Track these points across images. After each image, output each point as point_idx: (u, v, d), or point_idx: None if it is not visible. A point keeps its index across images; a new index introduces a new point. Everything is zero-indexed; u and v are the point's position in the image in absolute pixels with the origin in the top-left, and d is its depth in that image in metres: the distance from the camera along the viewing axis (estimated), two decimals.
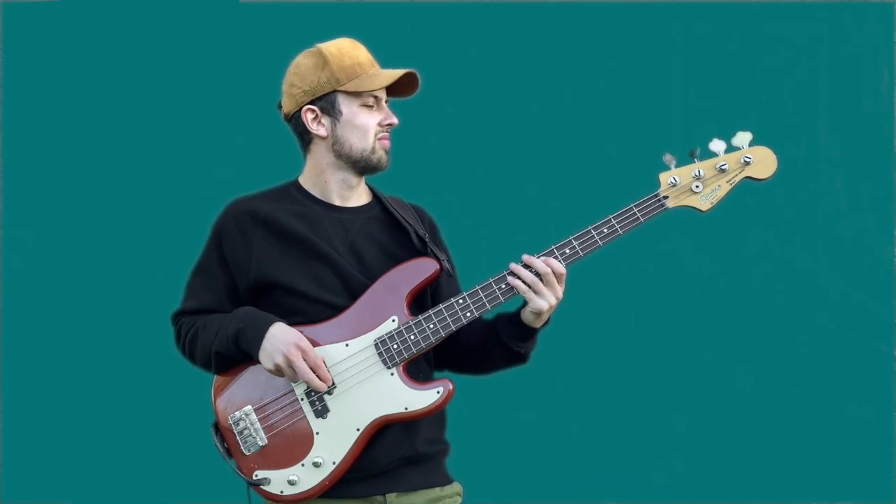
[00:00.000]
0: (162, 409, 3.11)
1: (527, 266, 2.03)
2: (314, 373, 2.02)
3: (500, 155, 3.22)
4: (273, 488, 2.06)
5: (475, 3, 3.23)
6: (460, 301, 2.07)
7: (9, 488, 3.13)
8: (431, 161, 3.12)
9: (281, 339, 2.03)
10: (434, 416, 2.11)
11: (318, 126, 2.18)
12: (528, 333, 2.12)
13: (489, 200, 3.20)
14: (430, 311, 2.09)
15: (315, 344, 2.06)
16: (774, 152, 2.08)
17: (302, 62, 2.24)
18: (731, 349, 3.17)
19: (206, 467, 3.13)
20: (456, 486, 2.19)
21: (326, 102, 2.17)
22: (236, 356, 2.09)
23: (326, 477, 2.05)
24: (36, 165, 3.18)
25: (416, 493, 2.12)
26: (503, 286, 2.06)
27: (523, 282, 2.03)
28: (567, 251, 2.05)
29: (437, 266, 2.13)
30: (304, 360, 2.01)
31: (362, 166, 2.17)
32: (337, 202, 2.21)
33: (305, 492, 2.06)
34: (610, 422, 3.18)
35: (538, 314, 2.05)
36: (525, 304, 2.06)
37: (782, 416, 3.19)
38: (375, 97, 2.16)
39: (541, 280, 2.03)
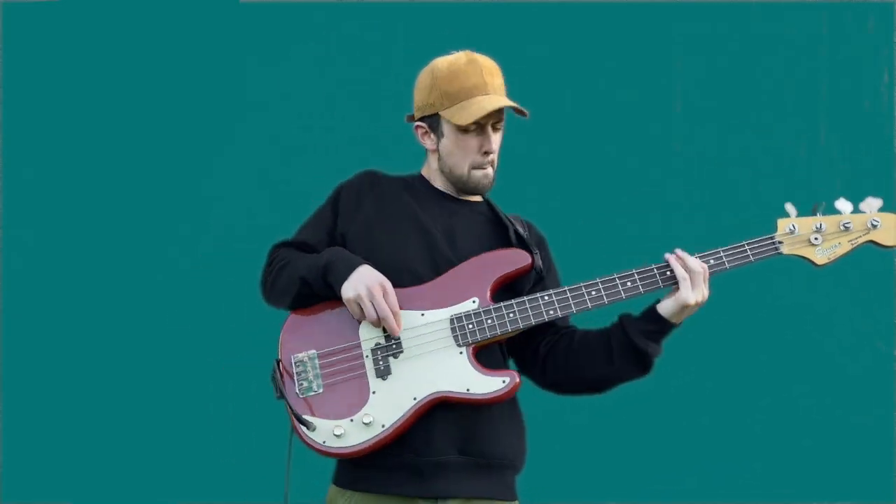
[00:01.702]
0: (162, 409, 3.11)
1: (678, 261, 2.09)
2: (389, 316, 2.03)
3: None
4: (317, 436, 2.02)
5: (477, 4, 3.23)
6: (545, 297, 2.07)
7: (9, 488, 3.13)
8: None
9: (368, 276, 2.03)
10: (513, 423, 2.11)
11: (426, 140, 2.23)
12: (663, 329, 2.10)
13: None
14: (514, 301, 2.08)
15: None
16: None
17: (421, 78, 2.26)
18: (731, 349, 3.17)
19: (207, 467, 3.14)
20: None
21: (433, 121, 2.21)
22: (321, 289, 2.08)
23: (373, 438, 2.02)
24: (36, 165, 3.18)
25: (475, 501, 2.06)
26: (646, 276, 2.07)
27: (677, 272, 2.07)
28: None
29: (529, 260, 2.13)
30: (385, 300, 2.02)
31: (461, 187, 2.21)
32: (451, 194, 2.25)
33: (349, 448, 2.02)
34: (612, 422, 3.18)
35: (682, 309, 2.07)
36: (662, 298, 2.09)
37: (782, 417, 3.19)
38: (478, 122, 2.15)
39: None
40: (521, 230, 2.24)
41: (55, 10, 3.17)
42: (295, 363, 2.07)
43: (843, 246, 2.09)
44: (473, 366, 2.05)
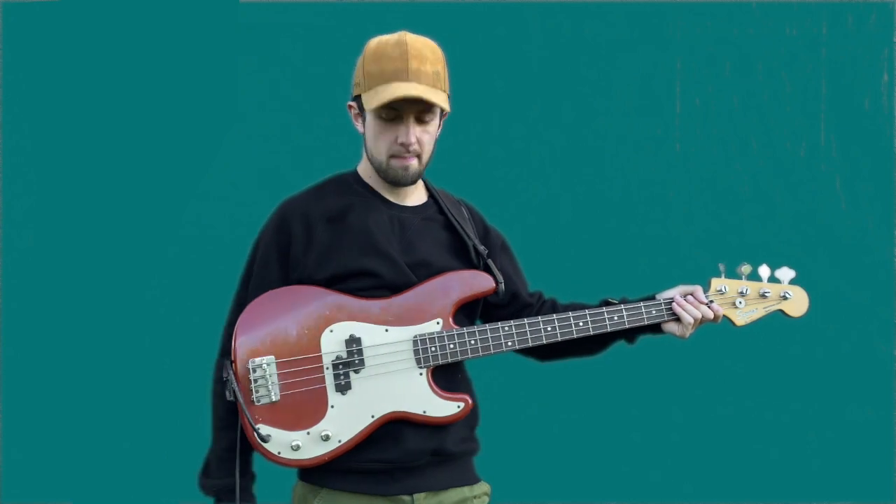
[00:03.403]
0: (162, 409, 3.11)
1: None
2: None
3: (497, 154, 3.22)
4: (272, 447, 2.03)
5: (477, 4, 3.23)
6: (506, 328, 2.10)
7: (9, 488, 3.13)
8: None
9: None
10: (468, 417, 2.11)
11: (357, 123, 2.17)
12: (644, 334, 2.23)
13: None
14: (476, 328, 2.10)
15: (358, 318, 2.06)
16: (808, 297, 2.25)
17: (363, 53, 2.15)
18: (731, 349, 3.17)
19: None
20: (484, 486, 2.19)
21: (360, 102, 2.13)
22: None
23: (328, 452, 2.03)
24: (36, 165, 3.18)
25: (445, 492, 2.12)
26: (596, 319, 2.14)
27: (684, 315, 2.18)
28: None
29: (493, 285, 2.12)
30: None
31: (382, 177, 2.15)
32: (392, 199, 2.18)
33: (305, 459, 2.03)
34: (612, 421, 3.18)
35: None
36: (661, 325, 2.19)
37: (782, 417, 3.19)
38: (394, 109, 2.07)
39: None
40: (479, 247, 2.20)
41: (55, 10, 3.17)
42: (252, 369, 2.05)
43: (759, 312, 2.27)
44: (431, 388, 2.06)
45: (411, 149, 2.09)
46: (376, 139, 2.11)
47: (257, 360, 2.05)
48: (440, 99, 2.07)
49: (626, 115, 3.23)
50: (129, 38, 3.18)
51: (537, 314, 2.24)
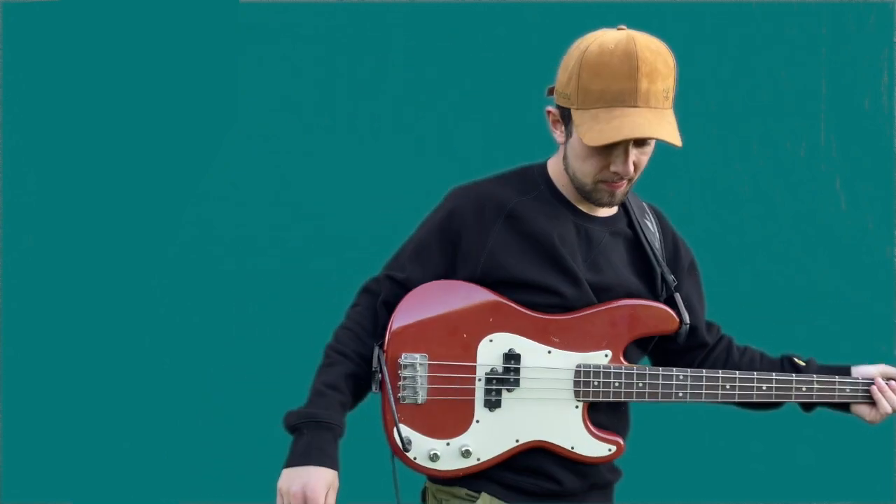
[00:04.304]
0: (162, 409, 3.12)
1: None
2: None
3: (497, 154, 3.22)
4: (410, 452, 1.90)
5: (478, 4, 3.23)
6: (680, 376, 1.94)
7: (9, 488, 3.13)
8: (435, 163, 3.13)
9: (303, 481, 1.82)
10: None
11: (556, 129, 1.96)
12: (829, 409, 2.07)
13: None
14: (647, 370, 1.94)
15: (522, 333, 1.90)
16: None
17: (570, 53, 1.90)
18: None
19: (207, 467, 3.14)
20: None
21: (566, 114, 1.90)
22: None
23: (465, 467, 1.91)
24: (36, 165, 3.18)
25: None
26: (783, 385, 1.99)
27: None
28: None
29: (676, 325, 1.96)
30: None
31: (582, 195, 1.95)
32: (582, 208, 1.98)
33: (439, 470, 1.91)
34: None
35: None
36: (850, 405, 2.06)
37: (782, 416, 3.18)
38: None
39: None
40: (668, 275, 2.00)
41: (55, 10, 3.17)
42: (403, 364, 1.90)
43: None
44: (585, 424, 1.92)
45: (626, 177, 1.89)
46: (583, 161, 1.89)
47: (411, 356, 1.90)
48: (671, 131, 1.83)
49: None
50: (129, 38, 3.18)
51: (712, 357, 2.11)
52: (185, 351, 3.13)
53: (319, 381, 1.92)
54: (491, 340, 1.92)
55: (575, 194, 1.96)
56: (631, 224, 2.04)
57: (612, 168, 1.87)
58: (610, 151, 1.85)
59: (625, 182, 1.91)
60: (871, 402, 2.05)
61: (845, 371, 2.09)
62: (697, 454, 3.19)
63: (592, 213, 1.99)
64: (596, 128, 1.80)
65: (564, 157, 1.94)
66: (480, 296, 1.93)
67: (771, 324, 3.19)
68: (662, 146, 1.93)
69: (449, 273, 1.95)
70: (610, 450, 1.95)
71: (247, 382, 3.08)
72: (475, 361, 1.91)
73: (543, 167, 2.02)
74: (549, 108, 1.94)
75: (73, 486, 3.13)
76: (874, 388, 2.04)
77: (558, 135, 1.94)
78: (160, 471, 3.11)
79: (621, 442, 1.96)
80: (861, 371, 2.08)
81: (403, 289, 1.96)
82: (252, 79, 3.17)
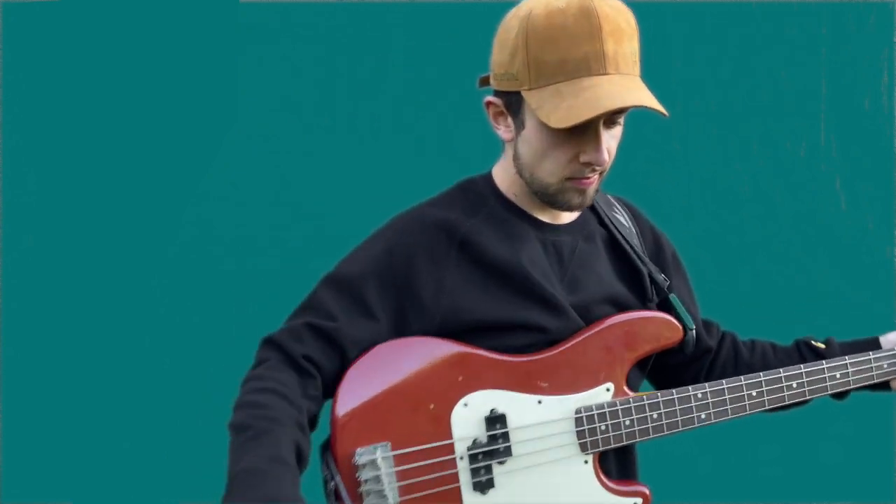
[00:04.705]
0: (162, 408, 3.12)
1: None
2: None
3: (496, 154, 3.22)
4: None
5: (477, 4, 3.23)
6: (698, 394, 1.59)
7: (9, 488, 3.13)
8: (430, 162, 3.13)
9: None
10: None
11: (499, 123, 1.60)
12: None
13: None
14: (659, 397, 1.58)
15: (501, 385, 1.48)
16: None
17: (506, 24, 1.56)
18: None
19: (207, 467, 3.14)
20: None
21: (512, 100, 1.53)
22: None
23: None
24: (36, 165, 3.18)
25: None
26: (815, 378, 1.64)
27: None
28: None
29: (681, 335, 1.62)
30: None
31: (544, 200, 1.58)
32: (543, 218, 1.63)
33: None
34: None
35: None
36: (890, 382, 1.75)
37: (782, 416, 3.19)
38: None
39: None
40: (656, 274, 1.67)
41: (55, 10, 3.17)
42: (360, 463, 1.44)
43: None
44: (600, 481, 1.56)
45: (600, 168, 1.53)
46: (544, 156, 1.51)
47: (368, 450, 1.43)
48: (654, 99, 1.48)
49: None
50: (128, 38, 3.18)
51: (720, 363, 1.80)
52: (185, 351, 3.13)
53: (253, 457, 1.39)
54: (466, 405, 1.50)
55: (533, 202, 1.61)
56: (602, 222, 1.70)
57: (583, 158, 1.50)
58: (577, 138, 1.49)
59: (596, 175, 1.55)
60: None
61: (874, 344, 1.77)
62: (697, 454, 3.19)
63: (556, 222, 1.64)
64: (563, 105, 1.41)
65: (516, 157, 1.58)
66: (440, 350, 1.50)
67: (771, 324, 3.18)
68: (636, 135, 1.68)
69: (392, 329, 1.52)
70: (637, 503, 1.64)
71: None
72: (451, 437, 1.48)
73: (488, 178, 1.67)
74: (489, 98, 1.59)
75: (73, 486, 3.13)
76: None
77: (503, 130, 1.59)
78: (160, 471, 3.11)
79: (646, 491, 1.68)
80: (890, 339, 1.76)
81: (332, 343, 1.52)
82: (252, 79, 3.17)
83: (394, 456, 1.44)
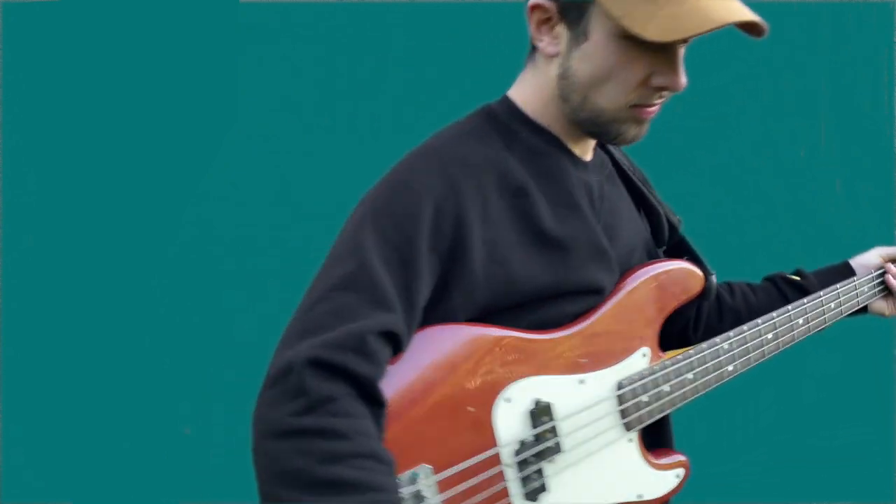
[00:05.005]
0: (162, 408, 3.11)
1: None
2: None
3: None
4: None
5: (478, 4, 3.23)
6: (724, 346, 1.40)
7: (9, 488, 3.13)
8: None
9: None
10: None
11: (543, 34, 1.33)
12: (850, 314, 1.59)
13: None
14: (693, 355, 1.39)
15: (542, 368, 1.25)
16: None
17: None
18: None
19: (207, 467, 3.14)
20: None
21: (572, 5, 1.27)
22: None
23: None
24: (36, 165, 3.18)
25: None
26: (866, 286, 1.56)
27: None
28: None
29: (704, 283, 1.45)
30: None
31: (591, 131, 1.33)
32: (577, 152, 1.37)
33: None
34: None
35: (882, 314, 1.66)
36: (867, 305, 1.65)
37: (782, 416, 3.19)
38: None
39: None
40: (671, 215, 1.51)
41: (55, 10, 3.17)
42: (403, 497, 1.19)
43: None
44: (644, 459, 1.41)
45: (676, 92, 1.33)
46: (610, 75, 1.26)
47: (406, 479, 1.18)
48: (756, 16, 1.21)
49: None
50: (128, 38, 3.18)
51: (704, 314, 1.64)
52: (185, 351, 3.13)
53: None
54: (508, 400, 1.26)
55: (568, 132, 1.35)
56: (613, 159, 1.48)
57: (656, 81, 1.29)
58: (652, 57, 1.27)
59: (658, 105, 1.34)
60: (888, 292, 1.68)
61: (846, 270, 1.70)
62: (697, 454, 3.19)
63: (585, 158, 1.40)
64: (661, 14, 1.17)
65: (564, 76, 1.31)
66: (468, 337, 1.24)
67: None
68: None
69: (427, 309, 1.23)
70: (678, 475, 1.52)
71: (247, 383, 3.07)
72: (495, 444, 1.24)
73: (507, 102, 1.40)
74: (538, 0, 1.30)
75: (73, 486, 3.13)
76: (888, 276, 1.66)
77: (547, 42, 1.32)
78: (160, 471, 3.11)
79: (686, 460, 1.55)
80: (861, 262, 1.69)
81: (398, 347, 1.21)
82: (252, 79, 3.17)
83: (438, 483, 1.19)
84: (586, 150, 1.39)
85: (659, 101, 1.33)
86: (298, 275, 3.27)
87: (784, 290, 1.73)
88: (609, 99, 1.28)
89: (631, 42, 1.23)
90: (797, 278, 1.70)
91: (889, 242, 3.28)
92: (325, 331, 1.20)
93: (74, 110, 3.19)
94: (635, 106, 1.30)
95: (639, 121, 1.32)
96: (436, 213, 1.22)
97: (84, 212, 3.18)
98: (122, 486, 3.13)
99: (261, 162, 3.19)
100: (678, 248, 1.53)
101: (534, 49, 1.39)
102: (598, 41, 1.25)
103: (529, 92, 1.39)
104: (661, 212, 1.53)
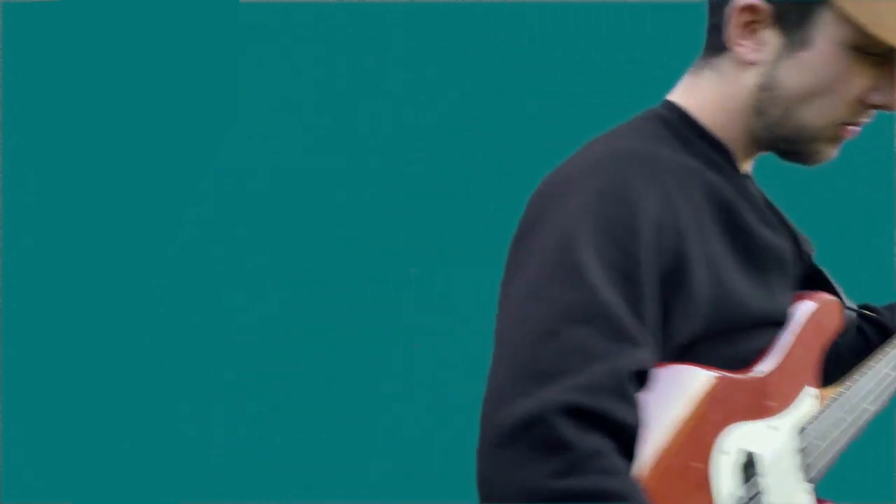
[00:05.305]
0: (162, 408, 3.11)
1: None
2: None
3: (497, 154, 3.22)
4: None
5: (478, 4, 3.23)
6: (882, 372, 1.27)
7: (9, 488, 3.13)
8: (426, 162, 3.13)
9: None
10: None
11: (747, 38, 1.22)
12: None
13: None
14: (859, 376, 1.25)
15: (745, 414, 1.12)
16: None
17: None
18: None
19: (207, 467, 3.14)
20: None
21: (793, 8, 1.14)
22: None
23: None
24: (36, 165, 3.18)
25: None
26: None
27: None
28: None
29: (843, 315, 1.31)
30: None
31: (783, 149, 1.26)
32: (741, 168, 1.26)
33: None
34: None
35: None
36: None
37: None
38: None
39: None
40: (805, 245, 1.38)
41: (55, 10, 3.17)
42: None
43: None
44: None
45: (887, 111, 1.18)
46: (828, 89, 1.14)
47: None
48: None
49: (626, 115, 3.22)
50: (128, 38, 3.18)
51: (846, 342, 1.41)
52: (185, 351, 3.13)
53: None
54: (726, 453, 1.12)
55: (746, 147, 1.24)
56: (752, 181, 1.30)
57: (874, 98, 1.15)
58: (875, 70, 1.13)
59: (861, 126, 1.22)
60: None
61: None
62: None
63: (743, 171, 1.27)
64: None
65: (766, 87, 1.17)
66: (688, 380, 1.09)
67: None
68: None
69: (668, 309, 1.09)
70: None
71: (247, 382, 3.08)
72: (712, 502, 1.09)
73: (678, 111, 1.26)
74: (751, 1, 1.18)
75: (73, 486, 3.12)
76: None
77: (749, 49, 1.20)
78: (160, 471, 3.11)
79: None
80: None
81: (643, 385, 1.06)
82: (252, 79, 3.17)
83: None
84: (746, 166, 1.29)
85: (866, 119, 1.22)
86: (299, 275, 3.29)
87: (861, 327, 1.51)
88: (819, 115, 1.18)
89: (860, 53, 1.13)
90: (873, 314, 1.51)
91: (889, 242, 3.28)
92: (573, 373, 1.00)
93: (74, 110, 3.19)
94: (842, 124, 1.20)
95: (839, 140, 1.23)
96: (656, 227, 1.08)
97: (84, 212, 3.18)
98: (122, 486, 3.13)
99: (261, 162, 3.19)
100: (814, 279, 1.36)
101: (713, 52, 1.28)
102: (823, 50, 1.14)
103: (710, 101, 1.25)
104: (800, 238, 1.35)
